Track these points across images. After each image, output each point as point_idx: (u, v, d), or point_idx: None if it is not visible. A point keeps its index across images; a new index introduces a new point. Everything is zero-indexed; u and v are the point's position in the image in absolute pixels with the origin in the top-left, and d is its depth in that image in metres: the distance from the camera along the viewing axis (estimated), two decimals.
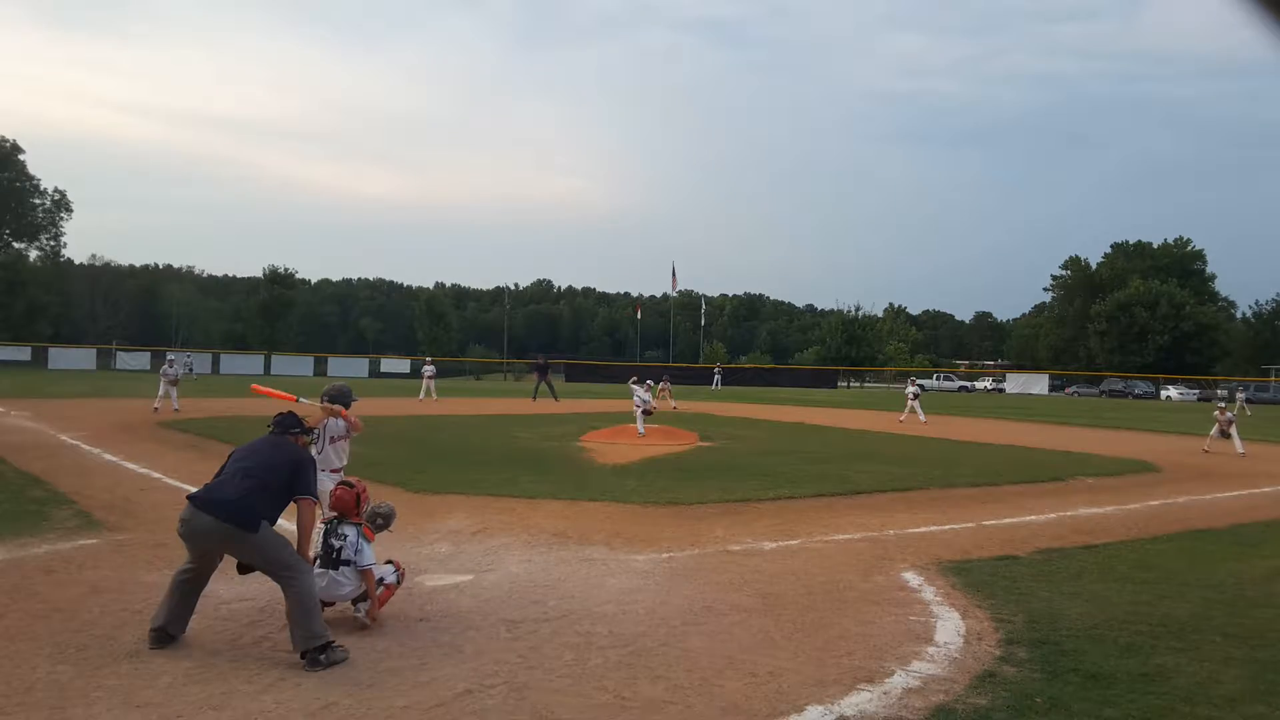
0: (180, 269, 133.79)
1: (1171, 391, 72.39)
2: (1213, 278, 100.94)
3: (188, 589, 5.52)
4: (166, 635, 5.38)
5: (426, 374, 37.43)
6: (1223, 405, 22.29)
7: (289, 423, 5.90)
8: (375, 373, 76.55)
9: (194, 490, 5.59)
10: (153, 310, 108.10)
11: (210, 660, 5.14)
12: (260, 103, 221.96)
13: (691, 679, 5.00)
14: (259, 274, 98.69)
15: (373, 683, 4.84)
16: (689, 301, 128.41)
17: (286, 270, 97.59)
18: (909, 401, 29.79)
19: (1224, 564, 8.57)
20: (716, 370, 72.43)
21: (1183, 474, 16.36)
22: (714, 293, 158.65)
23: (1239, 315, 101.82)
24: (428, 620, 6.07)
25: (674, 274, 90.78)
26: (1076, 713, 4.58)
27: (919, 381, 33.32)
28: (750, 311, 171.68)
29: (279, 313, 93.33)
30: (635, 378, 22.26)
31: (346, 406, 7.16)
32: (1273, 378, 76.90)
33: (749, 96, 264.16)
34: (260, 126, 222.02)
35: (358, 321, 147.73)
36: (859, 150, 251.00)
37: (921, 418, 28.68)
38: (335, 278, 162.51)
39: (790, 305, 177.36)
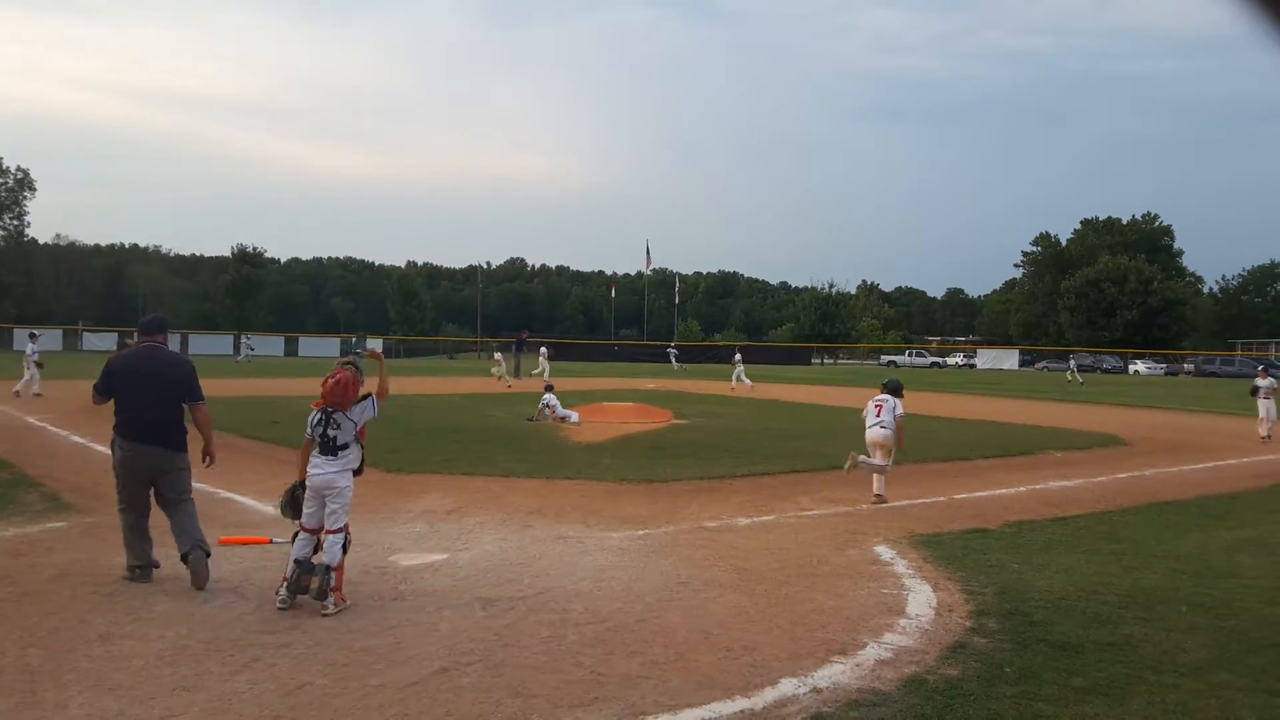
0: (147, 248, 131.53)
1: (1140, 366, 73.47)
2: (1180, 253, 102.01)
3: (145, 522, 6.46)
4: (153, 565, 6.40)
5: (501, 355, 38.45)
6: (1262, 368, 20.14)
7: (159, 324, 6.79)
8: (348, 352, 75.97)
9: (122, 427, 6.42)
10: (119, 290, 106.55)
11: (182, 642, 5.10)
12: (228, 80, 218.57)
13: (667, 654, 5.03)
14: (228, 253, 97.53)
15: (348, 662, 4.83)
16: (663, 279, 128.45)
17: (255, 249, 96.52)
18: (735, 370, 33.61)
19: (1190, 535, 8.73)
20: (671, 349, 64.21)
21: (1150, 447, 16.61)
22: (688, 270, 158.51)
23: (1206, 291, 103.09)
24: (402, 599, 6.06)
25: (648, 252, 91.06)
26: (1046, 682, 4.65)
27: (737, 356, 35.64)
28: (724, 289, 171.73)
29: (248, 292, 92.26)
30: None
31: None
32: (1238, 352, 78.07)
33: (724, 73, 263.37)
34: (228, 104, 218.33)
35: (329, 301, 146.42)
36: (833, 127, 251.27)
37: (748, 384, 32.48)
38: (305, 256, 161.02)
39: (764, 283, 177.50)
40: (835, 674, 4.76)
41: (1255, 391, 18.54)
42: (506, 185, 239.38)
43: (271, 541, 7.49)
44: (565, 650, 5.08)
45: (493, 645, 5.12)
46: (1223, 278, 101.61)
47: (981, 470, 13.00)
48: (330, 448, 6.09)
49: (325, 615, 5.66)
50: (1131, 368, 73.98)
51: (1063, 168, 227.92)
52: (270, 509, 9.08)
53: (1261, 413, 18.14)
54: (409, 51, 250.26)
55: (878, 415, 10.44)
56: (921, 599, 6.21)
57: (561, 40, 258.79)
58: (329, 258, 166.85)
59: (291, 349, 74.87)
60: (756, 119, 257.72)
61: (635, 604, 6.01)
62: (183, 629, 5.33)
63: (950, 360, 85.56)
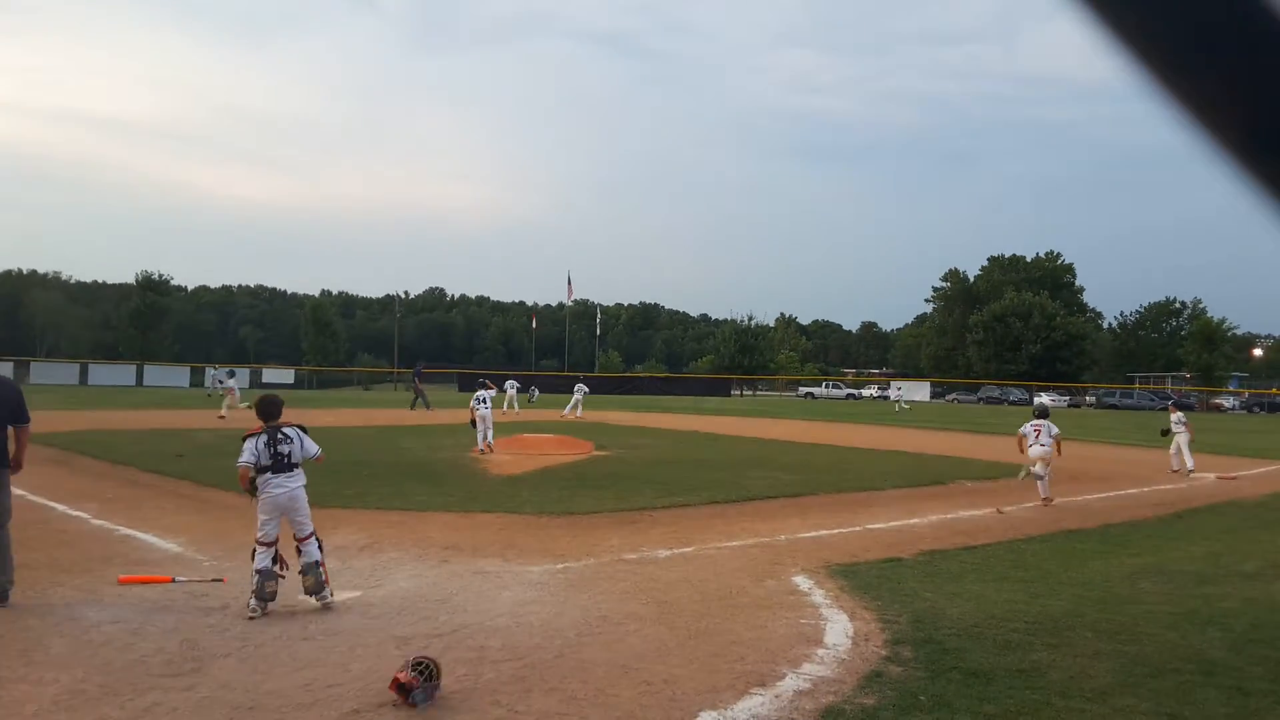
0: (46, 274, 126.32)
1: (1044, 399, 76.07)
2: (1081, 290, 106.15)
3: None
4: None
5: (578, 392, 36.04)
6: (1171, 404, 20.22)
7: None
8: (256, 383, 73.71)
9: None
10: (16, 318, 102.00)
11: (79, 686, 4.85)
12: (136, 101, 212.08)
13: (586, 690, 4.97)
14: (132, 280, 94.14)
15: (254, 705, 4.65)
16: (584, 311, 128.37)
17: (161, 276, 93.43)
18: (575, 398, 35.24)
19: (1094, 562, 9.01)
20: (533, 384, 55.39)
21: (1054, 477, 17.06)
22: (609, 302, 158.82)
23: (1105, 326, 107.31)
24: (312, 639, 5.87)
25: (569, 283, 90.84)
26: (959, 710, 4.73)
27: (583, 385, 37.32)
28: (646, 320, 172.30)
29: (152, 321, 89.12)
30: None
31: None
32: (1137, 385, 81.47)
33: (646, 108, 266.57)
34: (136, 126, 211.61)
35: (238, 330, 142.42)
36: (752, 163, 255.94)
37: (569, 413, 33.95)
38: (214, 284, 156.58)
39: (685, 314, 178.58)
40: (754, 706, 4.76)
41: (1166, 433, 18.52)
42: (427, 215, 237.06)
43: (174, 580, 7.19)
44: (482, 688, 4.98)
45: None
46: (1121, 314, 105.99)
47: (895, 500, 13.25)
48: (285, 465, 6.56)
49: (326, 606, 6.39)
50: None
51: (971, 206, 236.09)
52: (173, 546, 8.76)
53: (1172, 448, 18.22)
54: (326, 77, 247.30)
55: (1037, 436, 13.19)
56: (838, 628, 6.27)
57: (485, 70, 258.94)
58: (239, 285, 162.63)
59: (197, 379, 72.23)
60: (676, 153, 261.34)
61: (554, 639, 5.93)
62: (79, 672, 5.08)
63: (865, 392, 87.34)
